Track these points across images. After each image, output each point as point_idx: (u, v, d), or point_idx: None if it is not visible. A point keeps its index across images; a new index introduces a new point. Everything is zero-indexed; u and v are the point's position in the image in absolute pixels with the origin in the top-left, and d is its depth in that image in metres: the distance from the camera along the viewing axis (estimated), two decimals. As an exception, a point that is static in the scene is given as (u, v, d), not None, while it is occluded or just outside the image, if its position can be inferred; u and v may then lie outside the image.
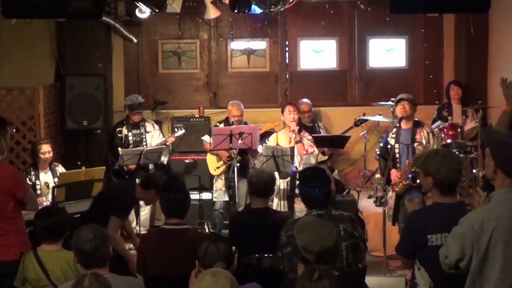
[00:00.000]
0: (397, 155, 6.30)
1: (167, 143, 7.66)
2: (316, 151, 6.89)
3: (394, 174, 6.28)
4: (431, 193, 3.62)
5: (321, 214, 3.95)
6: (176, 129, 7.87)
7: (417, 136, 6.23)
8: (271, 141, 7.07)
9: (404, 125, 6.34)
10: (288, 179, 6.81)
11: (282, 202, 6.82)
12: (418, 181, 5.84)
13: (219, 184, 7.50)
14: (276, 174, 6.73)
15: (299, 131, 6.98)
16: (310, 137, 7.07)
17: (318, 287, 2.71)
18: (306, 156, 6.75)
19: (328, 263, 3.14)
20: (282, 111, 7.14)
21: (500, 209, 3.02)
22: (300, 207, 6.54)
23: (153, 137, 7.73)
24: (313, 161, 6.70)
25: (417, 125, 6.33)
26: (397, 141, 6.32)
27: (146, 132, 7.72)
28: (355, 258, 4.00)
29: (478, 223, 3.00)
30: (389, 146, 6.37)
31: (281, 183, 6.84)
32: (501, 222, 2.99)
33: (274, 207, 6.69)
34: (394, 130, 6.39)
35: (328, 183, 4.13)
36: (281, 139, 7.05)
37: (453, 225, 3.33)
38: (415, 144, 6.19)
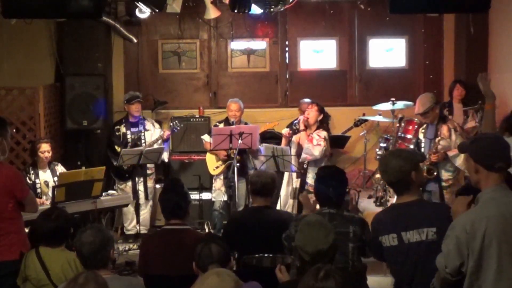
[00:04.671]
0: (422, 149, 6.37)
1: (164, 137, 7.63)
2: (322, 145, 6.72)
3: None
4: None
5: (333, 213, 3.99)
6: (171, 124, 7.84)
7: (439, 132, 6.23)
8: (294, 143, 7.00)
9: (430, 122, 6.38)
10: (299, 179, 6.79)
11: (291, 201, 6.82)
12: (435, 173, 6.05)
13: (218, 184, 7.49)
14: (294, 174, 6.75)
15: (317, 128, 6.87)
16: (323, 135, 6.80)
17: (324, 286, 2.71)
18: (307, 146, 6.68)
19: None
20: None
21: (489, 208, 3.02)
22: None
23: (153, 135, 7.69)
24: (316, 153, 6.65)
25: (442, 121, 6.33)
26: (424, 136, 6.38)
27: (146, 130, 7.68)
28: (360, 260, 4.01)
29: (469, 225, 2.99)
30: (418, 141, 6.46)
31: (295, 182, 6.84)
32: (492, 221, 2.98)
33: (287, 207, 6.69)
34: (424, 126, 6.44)
35: (344, 185, 4.19)
36: (303, 139, 7.00)
37: (401, 225, 3.49)
38: (437, 139, 6.20)
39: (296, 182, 6.86)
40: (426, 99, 6.25)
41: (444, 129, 6.22)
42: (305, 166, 6.76)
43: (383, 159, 3.66)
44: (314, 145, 6.66)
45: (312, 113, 6.83)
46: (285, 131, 7.08)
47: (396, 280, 3.61)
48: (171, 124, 7.85)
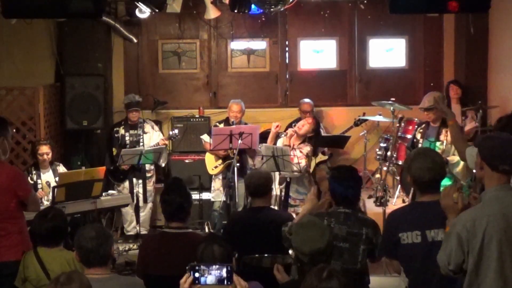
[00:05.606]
0: None
1: (160, 144, 7.58)
2: (303, 164, 6.53)
3: None
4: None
5: (348, 212, 3.99)
6: (170, 133, 7.80)
7: (441, 136, 6.23)
8: (280, 142, 6.92)
9: (432, 122, 6.38)
10: (283, 185, 6.75)
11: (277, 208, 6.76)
12: None
13: (217, 184, 7.48)
14: (277, 180, 6.70)
15: (302, 141, 6.74)
16: (306, 150, 6.63)
17: (327, 286, 2.70)
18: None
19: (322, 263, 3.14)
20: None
21: (491, 207, 3.02)
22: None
23: (152, 138, 7.65)
24: (294, 168, 6.52)
25: (444, 124, 6.29)
26: (422, 137, 6.36)
27: (144, 132, 7.66)
28: (367, 263, 4.02)
29: (470, 223, 2.99)
30: (415, 140, 6.43)
31: (277, 190, 6.79)
32: (493, 220, 2.98)
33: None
34: (423, 125, 6.42)
35: (360, 185, 4.20)
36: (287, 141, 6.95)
37: (425, 223, 3.44)
38: (438, 143, 6.19)
39: (278, 189, 6.81)
40: (435, 97, 6.26)
41: (444, 132, 6.22)
42: (288, 180, 6.72)
43: (427, 155, 3.57)
44: (294, 163, 6.51)
45: (306, 127, 6.67)
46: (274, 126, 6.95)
47: (411, 278, 3.55)
48: (170, 133, 7.77)
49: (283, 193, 6.75)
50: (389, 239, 3.60)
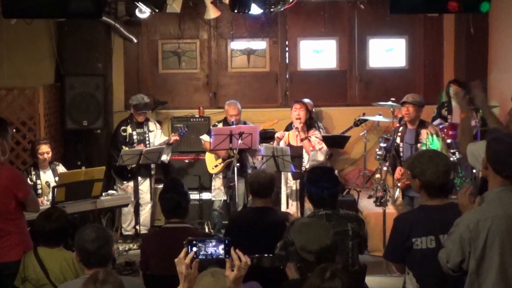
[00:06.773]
0: (401, 154, 6.38)
1: (170, 142, 7.64)
2: (325, 148, 6.77)
3: (398, 171, 6.39)
4: (420, 195, 3.61)
5: (329, 213, 3.97)
6: (179, 129, 7.84)
7: (421, 137, 6.27)
8: (282, 143, 6.97)
9: (409, 125, 6.41)
10: (298, 180, 6.79)
11: (294, 203, 6.81)
12: None
13: (217, 183, 7.49)
14: (289, 174, 6.75)
15: (308, 129, 6.87)
16: (319, 134, 6.93)
17: (330, 286, 2.70)
18: (313, 153, 6.67)
19: (328, 262, 3.14)
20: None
21: (494, 208, 3.01)
22: (309, 206, 6.59)
23: (156, 136, 7.73)
24: (321, 158, 6.65)
25: (422, 125, 6.37)
26: (402, 140, 6.40)
27: (150, 131, 7.71)
28: (358, 259, 4.01)
29: (473, 223, 2.99)
30: (395, 144, 6.46)
31: (294, 184, 6.84)
32: (497, 221, 2.98)
33: (286, 208, 6.70)
34: (401, 129, 6.46)
35: (337, 185, 4.16)
36: (292, 138, 6.99)
37: (439, 227, 3.38)
38: (418, 145, 6.22)
39: (295, 184, 6.85)
40: (418, 96, 6.49)
41: (423, 134, 6.27)
42: (304, 169, 6.77)
43: (440, 159, 3.51)
44: (318, 149, 6.67)
45: (302, 114, 6.79)
46: (280, 133, 7.09)
47: (424, 284, 3.46)
48: (179, 129, 7.81)
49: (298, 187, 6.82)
50: (399, 244, 3.52)
